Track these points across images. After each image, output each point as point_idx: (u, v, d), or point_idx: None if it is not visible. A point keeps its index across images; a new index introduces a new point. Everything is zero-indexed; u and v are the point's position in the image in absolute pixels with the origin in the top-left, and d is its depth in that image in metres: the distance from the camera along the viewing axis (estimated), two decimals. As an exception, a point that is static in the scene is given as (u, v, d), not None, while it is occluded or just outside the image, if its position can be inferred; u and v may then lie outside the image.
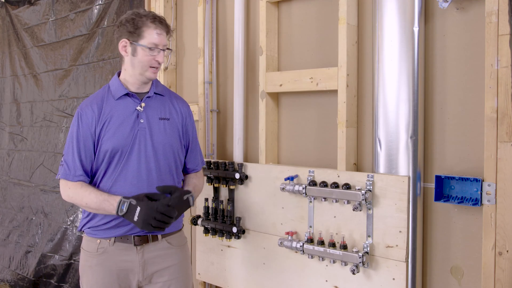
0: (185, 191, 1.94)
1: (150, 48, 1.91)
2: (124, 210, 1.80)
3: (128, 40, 1.93)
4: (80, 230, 2.03)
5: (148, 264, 1.98)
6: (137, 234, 1.95)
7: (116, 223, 1.93)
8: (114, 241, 1.95)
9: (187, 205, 1.93)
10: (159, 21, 1.94)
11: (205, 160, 2.47)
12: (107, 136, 1.92)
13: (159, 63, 1.95)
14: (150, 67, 1.93)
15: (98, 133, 1.93)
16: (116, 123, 1.93)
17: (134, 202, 1.80)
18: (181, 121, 2.08)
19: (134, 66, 1.95)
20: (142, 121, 1.96)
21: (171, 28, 2.03)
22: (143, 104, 1.98)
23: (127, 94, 1.98)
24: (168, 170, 2.01)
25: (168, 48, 1.99)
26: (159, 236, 2.00)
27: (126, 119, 1.95)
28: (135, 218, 1.79)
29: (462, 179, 1.84)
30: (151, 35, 1.91)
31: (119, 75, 2.03)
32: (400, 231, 1.88)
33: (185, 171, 2.16)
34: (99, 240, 1.96)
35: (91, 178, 1.97)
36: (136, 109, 1.97)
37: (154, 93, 2.03)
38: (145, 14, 1.94)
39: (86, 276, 2.00)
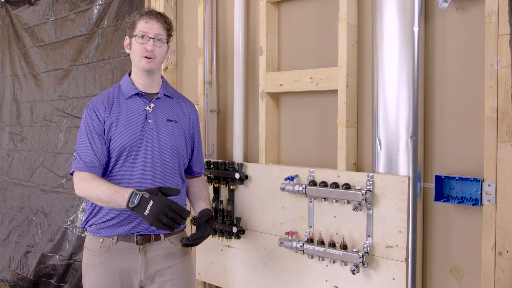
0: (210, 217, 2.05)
1: (140, 37, 1.94)
2: (136, 202, 1.71)
3: (128, 36, 2.00)
4: (83, 227, 2.04)
5: (150, 263, 1.98)
6: (139, 233, 1.96)
7: (118, 220, 1.93)
8: (117, 240, 1.95)
9: (212, 228, 2.05)
10: (150, 12, 1.97)
11: (205, 160, 2.48)
12: (115, 134, 1.93)
13: (149, 51, 1.93)
14: (143, 57, 1.94)
15: (108, 130, 1.93)
16: (125, 122, 1.94)
17: (147, 195, 1.72)
18: (189, 125, 2.10)
19: (133, 60, 2.00)
20: (150, 121, 1.97)
21: (169, 21, 2.02)
22: (152, 105, 1.99)
23: (137, 94, 1.99)
24: (173, 171, 2.01)
25: (160, 39, 1.95)
26: (162, 236, 2.00)
27: (134, 119, 1.96)
28: (146, 212, 1.69)
29: (462, 179, 1.84)
30: (140, 24, 1.95)
31: (129, 74, 2.05)
32: (400, 231, 1.88)
33: (190, 173, 2.17)
34: (102, 239, 1.97)
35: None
36: (145, 109, 1.98)
37: (164, 94, 2.05)
38: (142, 11, 2.00)
39: (88, 275, 2.01)
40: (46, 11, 3.97)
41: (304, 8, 2.35)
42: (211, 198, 2.54)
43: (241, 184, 2.41)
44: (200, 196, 2.16)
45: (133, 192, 1.74)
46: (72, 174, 1.95)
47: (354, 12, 2.12)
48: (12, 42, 4.39)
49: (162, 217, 1.70)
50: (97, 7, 3.48)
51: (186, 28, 2.92)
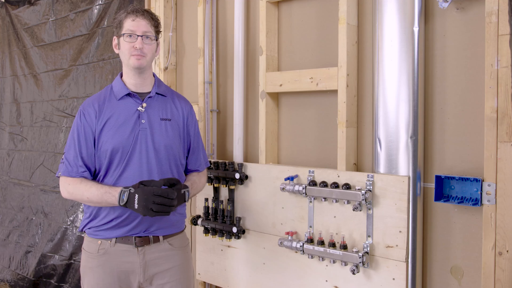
0: (183, 185, 1.95)
1: (128, 35, 1.93)
2: (125, 199, 1.81)
3: (116, 36, 1.99)
4: (81, 230, 2.03)
5: (149, 265, 1.97)
6: (138, 235, 1.95)
7: (117, 222, 1.93)
8: (115, 242, 1.95)
9: (182, 199, 1.91)
10: (136, 9, 1.96)
11: (205, 160, 2.47)
12: (107, 136, 1.92)
13: (138, 49, 1.92)
14: (132, 55, 1.93)
15: (99, 132, 1.93)
16: (117, 123, 1.94)
17: (132, 190, 1.82)
18: (182, 120, 2.07)
19: (123, 60, 1.99)
20: (143, 121, 1.96)
21: (155, 17, 2.00)
22: (144, 105, 1.98)
23: (129, 94, 1.98)
24: (170, 171, 1.99)
25: (148, 36, 1.94)
26: (161, 237, 1.99)
27: (127, 120, 1.95)
28: (135, 206, 1.80)
29: (462, 179, 1.84)
30: (127, 23, 1.94)
31: (121, 76, 2.04)
32: (400, 231, 1.88)
33: (186, 172, 2.14)
34: (100, 241, 1.96)
35: (93, 178, 1.97)
36: (137, 109, 1.97)
37: (156, 93, 2.03)
38: (128, 9, 1.98)
39: (87, 277, 2.00)
40: (46, 11, 3.97)
41: (304, 8, 2.35)
42: (211, 197, 2.54)
43: (241, 184, 2.41)
44: (187, 181, 2.09)
45: (122, 190, 1.83)
46: (59, 177, 1.97)
47: (354, 12, 2.12)
48: (12, 42, 4.39)
49: (151, 205, 1.78)
50: (97, 7, 3.48)
51: (186, 28, 2.92)
